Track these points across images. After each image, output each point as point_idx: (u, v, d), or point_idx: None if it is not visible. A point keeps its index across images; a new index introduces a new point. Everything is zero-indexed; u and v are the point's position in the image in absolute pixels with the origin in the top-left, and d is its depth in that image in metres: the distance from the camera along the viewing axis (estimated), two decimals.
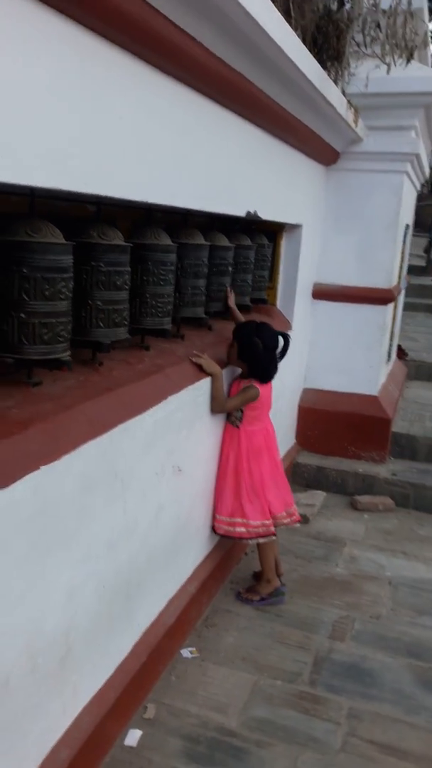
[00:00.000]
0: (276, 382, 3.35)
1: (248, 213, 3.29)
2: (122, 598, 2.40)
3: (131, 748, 2.39)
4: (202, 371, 2.94)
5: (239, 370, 3.28)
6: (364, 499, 4.68)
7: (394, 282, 5.24)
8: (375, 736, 2.56)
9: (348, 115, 4.03)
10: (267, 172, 3.60)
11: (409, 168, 4.91)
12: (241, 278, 3.71)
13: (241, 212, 3.22)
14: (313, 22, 3.92)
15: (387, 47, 4.09)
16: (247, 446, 3.24)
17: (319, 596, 3.51)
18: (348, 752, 2.46)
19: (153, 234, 2.69)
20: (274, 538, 3.32)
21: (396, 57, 4.12)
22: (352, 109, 4.14)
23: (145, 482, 2.47)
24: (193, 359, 2.92)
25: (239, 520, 3.24)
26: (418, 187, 6.24)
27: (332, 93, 3.57)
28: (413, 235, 7.33)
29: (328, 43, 4.05)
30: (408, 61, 4.18)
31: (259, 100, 2.96)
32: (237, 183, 3.12)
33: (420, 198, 7.47)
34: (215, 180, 2.86)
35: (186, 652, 2.93)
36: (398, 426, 5.28)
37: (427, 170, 5.98)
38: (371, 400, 5.10)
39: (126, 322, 2.45)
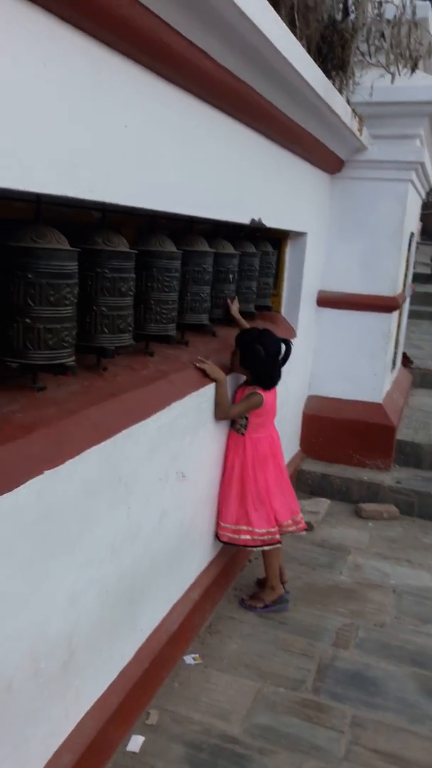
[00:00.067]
0: (280, 389, 3.36)
1: (253, 221, 3.31)
2: (125, 603, 2.41)
3: (134, 753, 2.39)
4: (206, 377, 2.95)
5: (243, 378, 3.29)
6: (368, 506, 4.67)
7: (399, 290, 5.25)
8: (378, 744, 2.55)
9: (353, 124, 4.05)
10: (272, 181, 3.62)
11: (413, 176, 4.93)
12: (245, 285, 3.72)
13: (245, 220, 3.24)
14: (318, 31, 3.95)
15: (391, 57, 4.12)
16: (253, 454, 3.24)
17: (323, 604, 3.49)
18: (351, 761, 2.45)
19: (158, 241, 2.71)
20: (279, 545, 3.31)
21: (400, 66, 4.15)
22: (357, 117, 4.17)
23: (149, 488, 2.47)
24: (197, 365, 2.93)
25: (244, 527, 3.24)
26: (423, 195, 6.25)
27: (337, 102, 3.59)
28: (420, 244, 7.35)
29: (333, 53, 4.08)
30: (413, 70, 4.20)
31: (265, 109, 2.99)
32: (242, 191, 3.14)
33: (425, 206, 7.49)
34: (221, 188, 2.89)
35: (189, 659, 2.93)
36: (403, 434, 5.27)
37: None
38: (376, 407, 5.10)
39: (130, 328, 2.47)
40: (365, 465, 5.05)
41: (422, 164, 4.92)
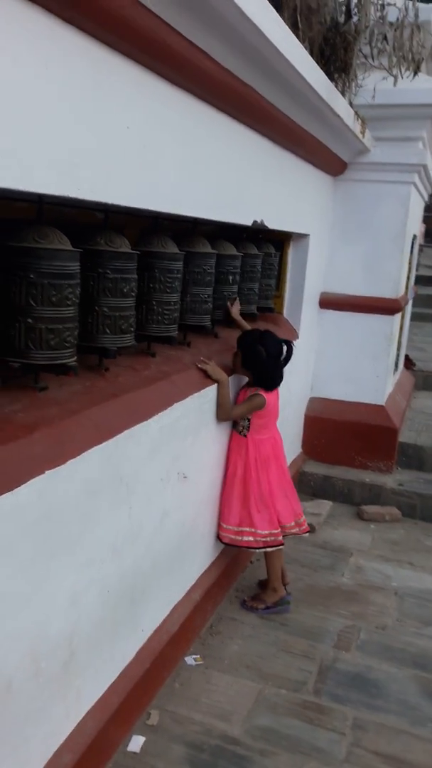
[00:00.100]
0: (282, 390, 3.36)
1: (255, 222, 3.31)
2: (126, 603, 2.41)
3: (134, 754, 2.39)
4: (208, 378, 2.95)
5: (246, 380, 3.29)
6: (370, 509, 4.66)
7: (402, 292, 5.25)
8: (380, 747, 2.54)
9: (355, 126, 4.06)
10: (274, 182, 3.62)
11: (416, 179, 4.93)
12: (248, 287, 3.73)
13: (247, 221, 3.24)
14: (320, 34, 3.96)
15: (394, 59, 4.13)
16: (255, 455, 3.24)
17: (325, 606, 3.49)
18: (352, 763, 2.45)
19: (160, 242, 2.71)
20: (281, 547, 3.31)
21: (403, 69, 4.16)
22: (360, 120, 4.17)
23: (150, 488, 2.48)
24: (199, 365, 2.94)
25: (247, 529, 3.23)
26: (426, 197, 6.25)
27: (339, 104, 3.60)
28: (423, 246, 7.34)
29: (335, 55, 4.09)
30: (415, 73, 4.21)
31: (268, 111, 2.99)
32: (245, 193, 3.15)
33: (428, 209, 7.49)
34: (223, 189, 2.89)
35: (190, 660, 2.93)
36: (405, 436, 5.26)
37: None
38: (378, 409, 5.09)
39: (132, 329, 2.47)
40: (367, 467, 5.04)
41: (425, 167, 4.92)
